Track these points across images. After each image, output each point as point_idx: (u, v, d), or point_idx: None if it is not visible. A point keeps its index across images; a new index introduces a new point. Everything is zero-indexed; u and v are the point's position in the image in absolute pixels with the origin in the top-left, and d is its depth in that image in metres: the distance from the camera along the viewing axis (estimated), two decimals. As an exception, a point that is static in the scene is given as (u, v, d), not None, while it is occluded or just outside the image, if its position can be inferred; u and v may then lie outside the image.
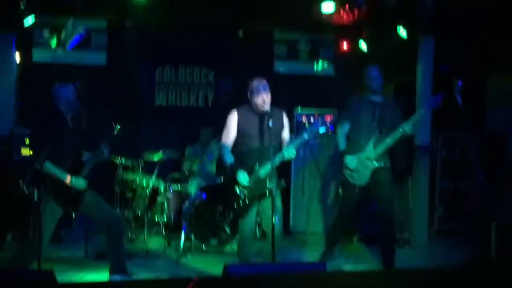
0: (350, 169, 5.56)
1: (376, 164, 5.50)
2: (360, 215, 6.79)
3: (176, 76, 8.50)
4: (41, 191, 4.70)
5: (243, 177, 4.75)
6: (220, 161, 7.22)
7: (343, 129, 5.74)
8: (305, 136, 4.79)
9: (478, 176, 6.43)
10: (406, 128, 5.28)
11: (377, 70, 5.61)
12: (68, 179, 4.84)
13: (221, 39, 8.44)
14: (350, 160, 5.56)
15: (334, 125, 7.56)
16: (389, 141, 5.40)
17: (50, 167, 4.74)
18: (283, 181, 5.11)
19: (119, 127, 5.23)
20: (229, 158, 4.87)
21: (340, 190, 5.94)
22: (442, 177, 7.48)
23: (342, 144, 5.73)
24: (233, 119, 4.96)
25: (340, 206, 5.92)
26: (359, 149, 5.56)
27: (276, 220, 4.49)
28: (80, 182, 4.92)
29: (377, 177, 5.52)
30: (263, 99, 4.81)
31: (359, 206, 5.88)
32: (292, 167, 7.70)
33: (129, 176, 7.15)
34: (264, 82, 4.89)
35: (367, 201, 6.15)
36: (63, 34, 7.88)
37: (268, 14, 7.76)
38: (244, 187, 4.77)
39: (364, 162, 5.52)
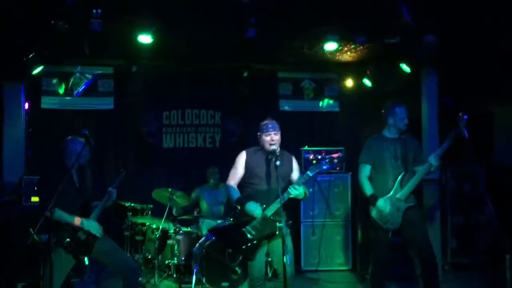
0: (385, 213, 5.31)
1: (407, 204, 5.29)
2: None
3: (183, 119, 8.57)
4: (51, 238, 4.70)
5: (254, 207, 4.74)
6: (228, 202, 7.24)
7: (366, 171, 5.53)
8: (309, 173, 4.83)
9: (488, 209, 6.35)
10: (433, 161, 5.13)
11: (405, 109, 5.45)
12: (77, 221, 4.85)
13: (226, 80, 8.54)
14: (384, 204, 5.31)
15: (341, 161, 7.67)
16: (418, 177, 5.24)
17: (59, 214, 4.74)
18: (290, 221, 5.05)
19: (124, 172, 5.26)
20: (236, 194, 4.90)
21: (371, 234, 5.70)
22: (453, 211, 7.42)
23: (367, 187, 5.45)
24: (241, 159, 5.02)
25: (376, 254, 5.60)
26: (386, 191, 5.36)
27: (288, 259, 4.45)
28: (91, 225, 4.92)
29: (409, 217, 5.30)
30: (272, 138, 4.88)
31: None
32: (302, 205, 7.66)
33: (139, 219, 7.15)
34: (274, 122, 4.97)
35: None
36: (70, 81, 8.04)
37: (273, 55, 7.89)
38: (254, 228, 4.76)
39: (394, 203, 5.30)
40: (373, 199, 5.38)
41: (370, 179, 5.51)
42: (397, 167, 5.37)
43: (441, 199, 7.26)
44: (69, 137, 5.09)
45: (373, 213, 5.41)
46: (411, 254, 6.48)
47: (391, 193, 5.34)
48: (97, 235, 4.95)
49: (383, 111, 5.58)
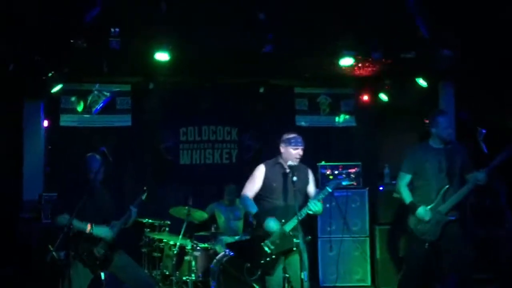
0: (426, 222, 5.18)
1: (448, 217, 5.18)
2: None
3: (200, 135, 8.61)
4: (70, 255, 4.74)
5: (273, 223, 4.74)
6: (247, 217, 7.23)
7: (405, 180, 5.42)
8: (328, 189, 4.85)
9: (509, 223, 6.27)
10: (480, 177, 5.01)
11: (449, 118, 5.36)
12: (88, 227, 4.89)
13: (243, 96, 8.59)
14: (424, 212, 5.17)
15: (358, 177, 7.63)
16: (463, 192, 5.14)
17: (73, 223, 4.77)
18: (309, 237, 5.04)
19: (146, 191, 5.30)
20: (254, 208, 4.91)
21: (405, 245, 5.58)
22: (473, 225, 7.34)
23: (407, 196, 5.35)
24: (260, 172, 5.05)
25: (409, 264, 5.51)
26: (428, 203, 5.23)
27: (305, 275, 4.44)
28: (102, 231, 4.95)
29: (449, 232, 5.19)
30: (299, 152, 4.94)
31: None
32: (319, 221, 7.63)
33: (156, 235, 7.16)
34: (301, 137, 5.02)
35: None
36: (89, 99, 8.13)
37: (289, 71, 7.92)
38: (272, 242, 4.76)
39: (435, 216, 5.19)
40: (413, 206, 5.27)
41: (412, 188, 5.39)
42: (441, 180, 5.23)
43: (461, 213, 7.18)
44: (89, 154, 5.16)
45: (411, 222, 5.31)
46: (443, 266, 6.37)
47: (433, 205, 5.22)
48: (107, 239, 4.96)
49: (427, 120, 5.46)
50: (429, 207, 5.22)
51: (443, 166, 5.25)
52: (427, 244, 5.24)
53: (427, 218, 5.18)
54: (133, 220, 5.21)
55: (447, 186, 5.22)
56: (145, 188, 5.34)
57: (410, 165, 5.43)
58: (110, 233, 5.01)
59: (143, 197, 5.28)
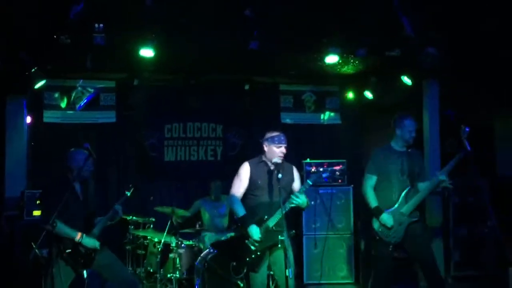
0: (388, 228, 5.28)
1: (410, 219, 5.28)
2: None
3: (185, 132, 8.58)
4: (52, 252, 4.69)
5: (255, 231, 4.75)
6: (232, 214, 7.23)
7: (371, 182, 5.48)
8: (309, 181, 4.86)
9: (492, 221, 6.32)
10: (442, 177, 5.11)
11: (414, 122, 5.42)
12: (78, 236, 4.83)
13: (228, 93, 8.58)
14: (387, 218, 5.25)
15: (343, 174, 7.66)
16: (424, 193, 5.24)
17: (61, 227, 4.74)
18: (293, 231, 5.06)
19: (132, 189, 5.27)
20: (241, 211, 4.91)
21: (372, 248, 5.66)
22: (456, 223, 7.39)
23: (372, 199, 5.41)
24: (245, 170, 5.04)
25: (376, 267, 5.57)
26: (390, 204, 5.34)
27: (290, 272, 4.44)
28: (91, 242, 4.91)
29: (413, 232, 5.28)
30: (282, 150, 4.94)
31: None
32: (303, 217, 7.64)
33: (140, 233, 7.13)
34: (284, 135, 5.01)
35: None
36: (73, 95, 8.06)
37: (274, 68, 7.92)
38: (255, 241, 4.76)
39: (398, 217, 5.28)
40: (377, 211, 5.35)
41: (375, 189, 5.47)
42: (403, 181, 5.34)
43: (444, 212, 7.23)
44: (72, 149, 5.10)
45: (375, 225, 5.39)
46: (415, 268, 6.45)
47: (395, 206, 5.33)
48: (95, 248, 4.94)
49: (392, 121, 5.54)
50: (392, 209, 5.31)
51: (405, 168, 5.36)
52: (391, 246, 5.33)
53: (389, 224, 5.27)
54: (119, 217, 5.18)
55: (408, 188, 5.33)
56: (131, 185, 5.31)
57: (375, 166, 5.50)
58: (98, 243, 4.97)
59: (129, 194, 5.24)
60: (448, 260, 7.38)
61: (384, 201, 5.38)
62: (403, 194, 5.32)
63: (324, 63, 6.99)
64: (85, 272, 4.92)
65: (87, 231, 4.95)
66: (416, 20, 6.00)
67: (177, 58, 7.25)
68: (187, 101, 8.46)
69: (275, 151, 4.92)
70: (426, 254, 5.33)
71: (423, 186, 5.35)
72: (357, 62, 7.27)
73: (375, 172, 5.48)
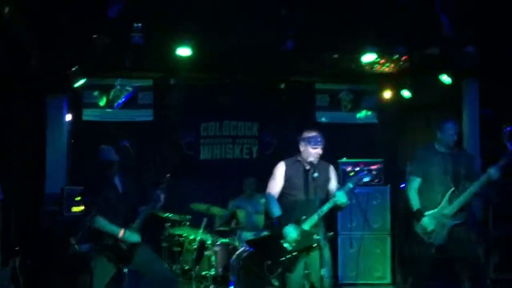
0: (428, 232, 5.21)
1: (453, 221, 5.17)
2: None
3: (221, 130, 8.63)
4: (92, 248, 4.77)
5: (291, 231, 4.74)
6: (267, 213, 7.23)
7: (414, 184, 5.38)
8: (350, 184, 4.81)
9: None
10: (493, 172, 4.96)
11: (455, 125, 5.29)
12: (121, 233, 4.91)
13: (263, 91, 8.57)
14: (428, 222, 5.18)
15: (380, 174, 7.58)
16: (470, 192, 5.11)
17: (101, 223, 4.81)
18: (331, 233, 5.03)
19: (169, 177, 5.30)
20: (277, 211, 4.90)
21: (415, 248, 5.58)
22: (495, 225, 7.24)
23: (415, 202, 5.32)
24: (280, 170, 5.04)
25: (417, 268, 5.51)
26: (433, 206, 5.24)
27: (325, 272, 4.43)
28: (133, 236, 4.97)
29: (457, 234, 5.18)
30: (318, 152, 4.91)
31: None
32: (339, 217, 7.59)
33: (176, 230, 7.20)
34: (321, 136, 4.97)
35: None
36: (111, 94, 8.19)
37: (310, 67, 7.89)
38: (291, 241, 4.75)
39: (440, 219, 5.19)
40: (419, 214, 5.26)
41: (419, 191, 5.37)
42: (447, 183, 5.23)
43: (483, 212, 7.09)
44: (103, 146, 5.14)
45: (417, 227, 5.30)
46: (457, 269, 6.33)
47: (438, 208, 5.22)
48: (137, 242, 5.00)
49: (433, 123, 5.47)
50: (434, 211, 5.22)
51: (449, 169, 5.25)
52: (433, 248, 5.24)
53: (429, 229, 5.19)
54: (161, 205, 5.20)
55: (452, 189, 5.22)
56: (168, 175, 5.33)
57: (418, 168, 5.41)
58: (140, 237, 5.02)
59: (166, 182, 5.27)
60: (487, 262, 7.24)
61: (427, 202, 5.28)
62: (447, 195, 5.20)
63: (361, 62, 6.93)
64: (125, 268, 4.97)
65: (128, 225, 5.01)
66: (456, 18, 5.89)
67: (214, 57, 7.29)
68: (223, 100, 8.49)
69: (311, 152, 4.90)
70: (471, 258, 5.21)
71: (471, 186, 5.19)
72: (394, 60, 7.17)
73: (418, 174, 5.39)
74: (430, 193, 5.30)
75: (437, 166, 5.28)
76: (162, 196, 5.15)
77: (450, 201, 5.19)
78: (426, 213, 5.24)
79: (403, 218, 5.89)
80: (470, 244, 5.29)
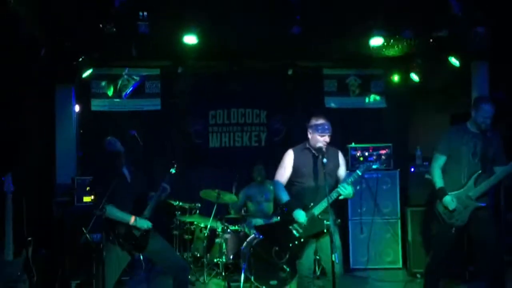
0: (450, 210, 5.19)
1: (477, 203, 5.14)
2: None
3: (229, 118, 8.63)
4: (105, 237, 4.80)
5: (300, 215, 4.75)
6: (276, 201, 7.24)
7: (439, 162, 5.34)
8: (359, 172, 4.80)
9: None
10: None
11: (492, 109, 5.15)
12: (132, 220, 4.93)
13: (271, 78, 8.55)
14: (450, 201, 5.16)
15: (389, 158, 7.54)
16: (495, 178, 5.06)
17: (112, 210, 4.84)
18: (338, 220, 5.02)
19: (176, 165, 5.32)
20: (285, 196, 4.90)
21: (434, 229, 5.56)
22: (508, 207, 7.19)
23: (438, 180, 5.30)
24: (289, 158, 5.03)
25: (436, 248, 5.51)
26: (458, 186, 5.20)
27: (336, 257, 4.43)
28: (144, 223, 5.00)
29: (478, 217, 5.14)
30: (326, 139, 4.89)
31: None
32: (349, 203, 7.58)
33: (187, 218, 7.24)
34: (329, 122, 4.95)
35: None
36: (119, 83, 8.21)
37: (317, 52, 7.84)
38: (301, 226, 4.76)
39: (464, 201, 5.16)
40: (441, 193, 5.24)
41: (443, 169, 5.34)
42: (474, 165, 5.17)
43: (495, 195, 7.05)
44: (109, 137, 5.15)
45: (439, 206, 5.29)
46: (476, 252, 6.30)
47: (463, 189, 5.19)
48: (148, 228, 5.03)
49: (472, 101, 5.35)
50: (458, 191, 5.18)
51: (478, 150, 5.18)
52: (454, 228, 5.22)
53: (451, 207, 5.16)
54: (166, 195, 5.23)
55: (479, 171, 5.16)
56: (173, 161, 5.35)
57: (446, 146, 5.33)
58: (150, 224, 5.05)
59: (173, 171, 5.29)
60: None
61: (452, 182, 5.25)
62: (473, 177, 5.15)
63: (369, 45, 6.88)
64: (141, 256, 4.98)
65: (139, 213, 5.04)
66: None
67: (220, 44, 7.26)
68: (231, 87, 8.48)
69: (319, 139, 4.88)
70: (491, 242, 5.15)
71: (499, 171, 5.13)
72: (402, 43, 7.11)
73: (445, 152, 5.33)
74: (456, 173, 5.25)
75: (466, 145, 5.21)
76: (168, 187, 5.17)
77: (476, 183, 5.15)
78: (450, 193, 5.20)
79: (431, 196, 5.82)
80: (491, 228, 5.23)
